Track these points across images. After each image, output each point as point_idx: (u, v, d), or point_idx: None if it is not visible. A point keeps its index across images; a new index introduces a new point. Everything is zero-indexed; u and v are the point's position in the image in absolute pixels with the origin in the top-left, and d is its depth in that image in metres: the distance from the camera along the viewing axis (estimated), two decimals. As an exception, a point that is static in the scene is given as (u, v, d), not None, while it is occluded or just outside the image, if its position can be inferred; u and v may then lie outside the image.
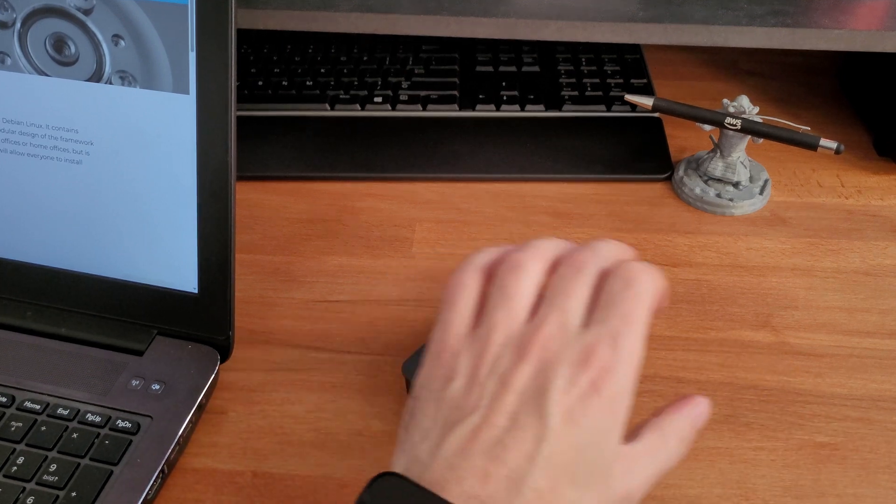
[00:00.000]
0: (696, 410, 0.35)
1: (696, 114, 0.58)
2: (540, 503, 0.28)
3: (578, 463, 0.29)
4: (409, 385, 0.46)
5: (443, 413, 0.31)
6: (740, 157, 0.59)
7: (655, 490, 0.42)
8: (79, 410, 0.44)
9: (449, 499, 0.27)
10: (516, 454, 0.29)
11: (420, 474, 0.29)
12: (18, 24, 0.44)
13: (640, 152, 0.64)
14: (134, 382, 0.45)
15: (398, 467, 0.30)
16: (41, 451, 0.42)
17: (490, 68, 0.72)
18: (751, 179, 0.60)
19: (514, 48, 0.74)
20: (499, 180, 0.63)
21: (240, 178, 0.61)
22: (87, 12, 0.43)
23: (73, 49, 0.44)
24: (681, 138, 0.66)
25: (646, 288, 0.32)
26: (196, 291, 0.46)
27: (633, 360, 0.31)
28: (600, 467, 0.30)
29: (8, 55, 0.45)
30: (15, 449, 0.42)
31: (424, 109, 0.68)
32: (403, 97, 0.68)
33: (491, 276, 0.34)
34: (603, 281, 0.33)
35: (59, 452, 0.42)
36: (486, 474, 0.28)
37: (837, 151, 0.55)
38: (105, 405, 0.44)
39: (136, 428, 0.43)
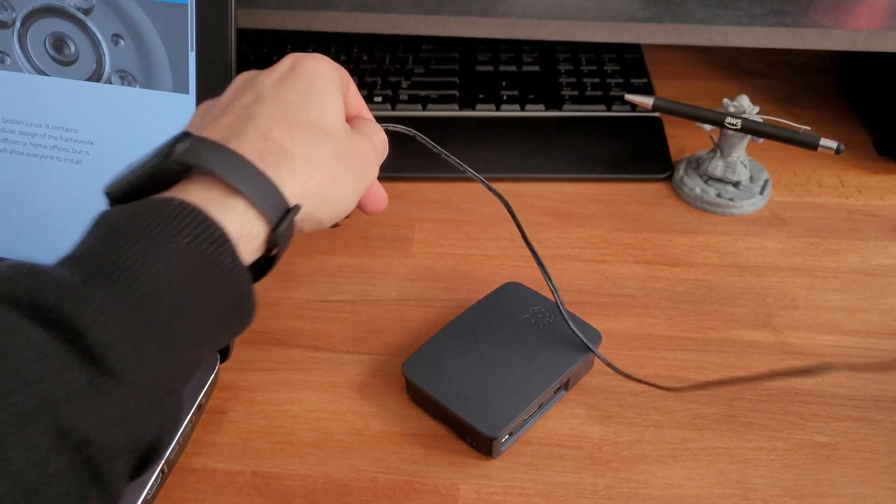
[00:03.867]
0: None
1: (697, 113, 0.58)
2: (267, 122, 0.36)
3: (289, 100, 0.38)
4: (409, 385, 0.46)
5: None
6: (740, 157, 0.59)
7: (655, 490, 0.42)
8: (79, 410, 0.43)
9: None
10: (242, 105, 0.38)
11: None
12: (18, 24, 0.44)
13: (640, 152, 0.64)
14: (134, 382, 0.45)
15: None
16: (41, 451, 0.42)
17: (490, 68, 0.72)
18: (751, 179, 0.60)
19: (514, 48, 0.74)
20: (499, 180, 0.62)
21: (240, 178, 0.61)
22: (86, 12, 0.43)
23: (72, 49, 0.44)
24: (681, 138, 0.66)
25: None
26: (196, 291, 0.46)
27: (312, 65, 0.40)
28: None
29: (8, 55, 0.45)
30: (15, 449, 0.42)
31: (424, 109, 0.68)
32: (403, 97, 0.68)
33: None
34: None
35: (58, 452, 0.42)
36: (221, 122, 0.36)
37: (837, 151, 0.55)
38: (105, 405, 0.44)
39: (136, 428, 0.43)
